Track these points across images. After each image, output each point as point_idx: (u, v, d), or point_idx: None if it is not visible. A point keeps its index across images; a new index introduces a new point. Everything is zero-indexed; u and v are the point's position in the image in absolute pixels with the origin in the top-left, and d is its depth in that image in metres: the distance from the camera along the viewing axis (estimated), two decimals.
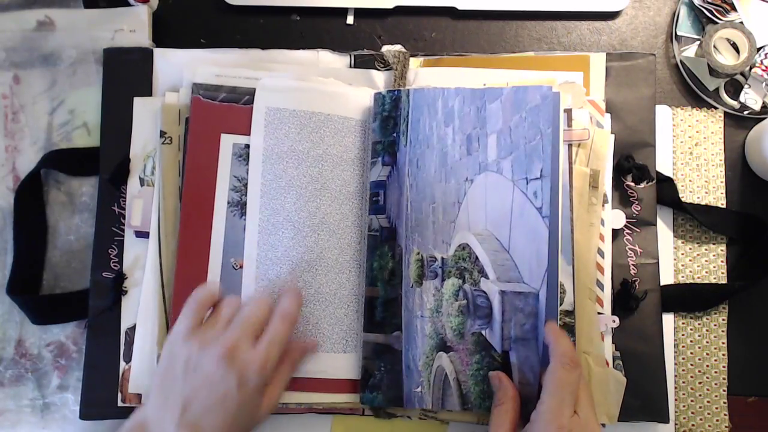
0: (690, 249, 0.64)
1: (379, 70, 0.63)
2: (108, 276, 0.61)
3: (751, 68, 0.65)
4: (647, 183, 0.62)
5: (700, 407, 0.62)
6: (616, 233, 0.62)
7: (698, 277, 0.64)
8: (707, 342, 0.63)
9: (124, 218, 0.61)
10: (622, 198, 0.62)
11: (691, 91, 0.66)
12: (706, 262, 0.64)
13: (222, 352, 0.51)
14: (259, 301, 0.55)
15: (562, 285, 0.57)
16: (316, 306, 0.59)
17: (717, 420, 0.62)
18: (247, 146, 0.60)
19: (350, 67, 0.63)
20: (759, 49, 0.64)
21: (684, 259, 0.64)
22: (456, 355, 0.57)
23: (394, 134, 0.60)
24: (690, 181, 0.65)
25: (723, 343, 0.63)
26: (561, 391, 0.51)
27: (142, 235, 0.61)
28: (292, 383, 0.57)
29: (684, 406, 0.62)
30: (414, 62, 0.63)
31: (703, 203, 0.64)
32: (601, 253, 0.60)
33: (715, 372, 0.62)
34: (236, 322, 0.53)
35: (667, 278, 0.63)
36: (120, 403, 0.60)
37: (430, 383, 0.58)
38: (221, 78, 0.61)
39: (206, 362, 0.51)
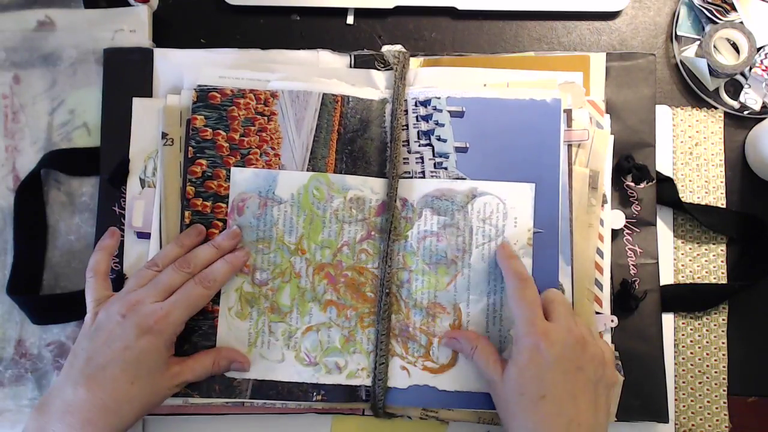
0: (690, 249, 0.64)
1: (379, 70, 0.63)
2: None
3: (751, 68, 0.65)
4: (647, 183, 0.62)
5: (700, 407, 0.62)
6: (615, 233, 0.62)
7: (698, 277, 0.64)
8: (707, 342, 0.63)
9: (125, 218, 0.62)
10: (622, 198, 0.62)
11: (691, 91, 0.66)
12: (706, 262, 0.64)
13: (126, 306, 0.53)
14: (177, 265, 0.56)
15: (560, 285, 0.58)
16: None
17: (717, 420, 0.62)
18: None
19: (350, 67, 0.63)
20: (759, 49, 0.64)
21: (684, 259, 0.64)
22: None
23: None
24: (690, 181, 0.65)
25: (723, 343, 0.63)
26: (523, 307, 0.53)
27: (144, 235, 0.61)
28: None
29: (684, 406, 0.62)
30: (414, 62, 0.63)
31: (703, 203, 0.64)
32: (600, 253, 0.60)
33: (715, 372, 0.62)
34: (147, 285, 0.55)
35: (667, 278, 0.63)
36: None
37: None
38: (224, 80, 0.61)
39: (109, 319, 0.53)
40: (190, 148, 0.59)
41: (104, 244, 0.59)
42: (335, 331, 0.58)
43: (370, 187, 0.60)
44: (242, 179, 0.59)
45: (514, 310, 0.54)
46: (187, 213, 0.59)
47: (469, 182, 0.59)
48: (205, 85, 0.60)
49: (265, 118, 0.60)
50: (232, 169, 0.59)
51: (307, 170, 0.60)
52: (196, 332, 0.57)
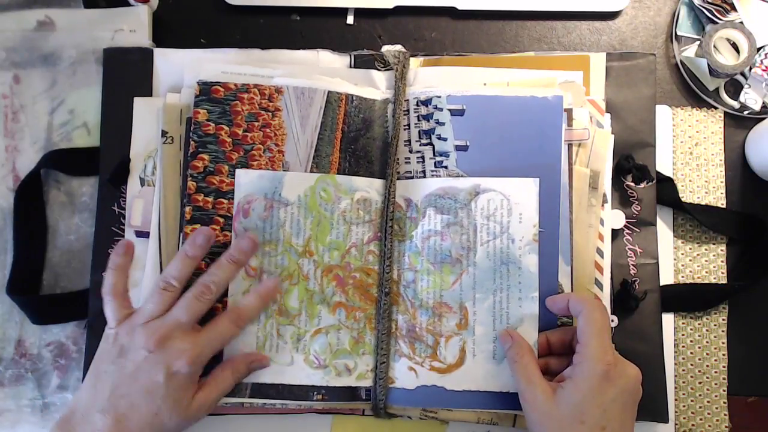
0: (690, 249, 0.64)
1: (379, 70, 0.63)
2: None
3: (751, 68, 0.65)
4: (647, 183, 0.62)
5: (700, 407, 0.62)
6: (615, 233, 0.62)
7: (698, 277, 0.64)
8: (707, 342, 0.63)
9: (124, 218, 0.61)
10: (622, 198, 0.62)
11: (691, 91, 0.66)
12: (706, 262, 0.64)
13: (153, 340, 0.52)
14: (198, 295, 0.54)
15: (560, 285, 0.58)
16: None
17: (717, 420, 0.62)
18: None
19: (350, 67, 0.63)
20: (759, 49, 0.64)
21: (684, 259, 0.64)
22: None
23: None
24: (690, 181, 0.65)
25: (723, 343, 0.63)
26: (602, 332, 0.51)
27: (143, 235, 0.61)
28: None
29: (684, 406, 0.62)
30: (414, 62, 0.63)
31: (703, 203, 0.64)
32: (600, 252, 0.60)
33: (715, 372, 0.62)
34: (176, 309, 0.54)
35: (667, 278, 0.63)
36: None
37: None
38: (227, 75, 0.60)
39: (137, 349, 0.52)
40: (192, 142, 0.59)
41: (117, 263, 0.57)
42: (344, 333, 0.58)
43: (376, 189, 0.60)
44: (247, 181, 0.59)
45: (584, 332, 0.51)
46: (188, 209, 0.58)
47: (472, 179, 0.58)
48: (209, 80, 0.60)
49: (270, 113, 0.60)
50: (237, 171, 0.59)
51: (312, 168, 0.59)
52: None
